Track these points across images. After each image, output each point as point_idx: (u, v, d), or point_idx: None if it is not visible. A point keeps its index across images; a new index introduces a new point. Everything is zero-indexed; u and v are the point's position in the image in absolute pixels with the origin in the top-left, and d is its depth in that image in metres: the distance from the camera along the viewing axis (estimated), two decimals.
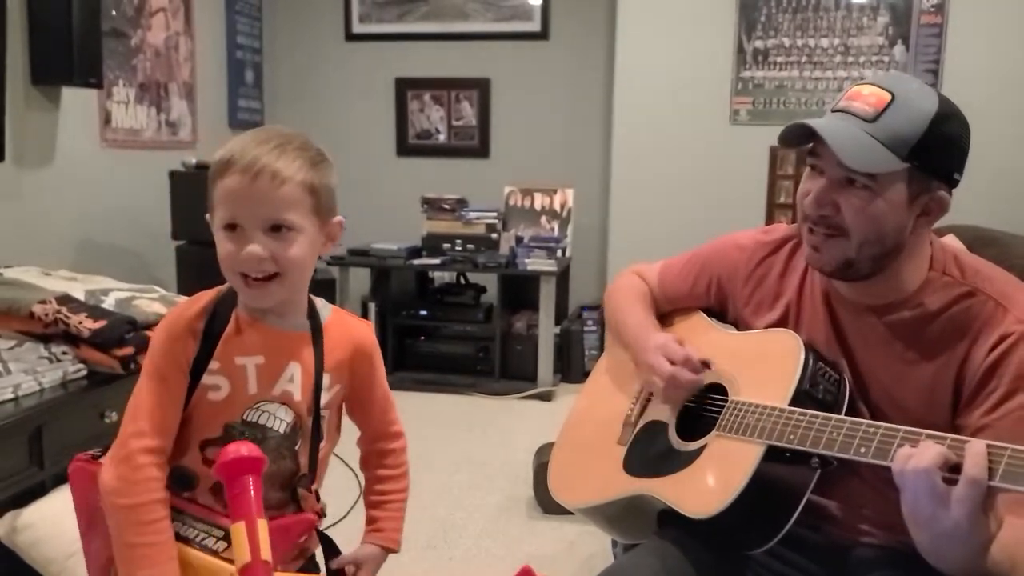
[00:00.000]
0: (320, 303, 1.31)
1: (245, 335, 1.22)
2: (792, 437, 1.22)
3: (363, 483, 1.41)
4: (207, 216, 1.21)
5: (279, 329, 1.24)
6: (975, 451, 1.02)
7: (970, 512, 1.01)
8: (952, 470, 1.03)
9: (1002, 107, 4.05)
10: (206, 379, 1.20)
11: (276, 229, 1.16)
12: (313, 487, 1.28)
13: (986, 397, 1.22)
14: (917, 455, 1.05)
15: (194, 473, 1.21)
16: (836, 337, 1.37)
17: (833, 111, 1.28)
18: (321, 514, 1.29)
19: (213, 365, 1.20)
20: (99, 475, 1.19)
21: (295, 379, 1.24)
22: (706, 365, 1.45)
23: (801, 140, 1.29)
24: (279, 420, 1.23)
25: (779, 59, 4.32)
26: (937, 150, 1.23)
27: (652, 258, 1.75)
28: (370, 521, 1.37)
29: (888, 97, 1.22)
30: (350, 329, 1.32)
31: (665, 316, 1.66)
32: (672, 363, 1.44)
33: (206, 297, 1.24)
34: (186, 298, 1.27)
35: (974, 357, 1.24)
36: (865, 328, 1.34)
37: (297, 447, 1.25)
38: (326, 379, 1.26)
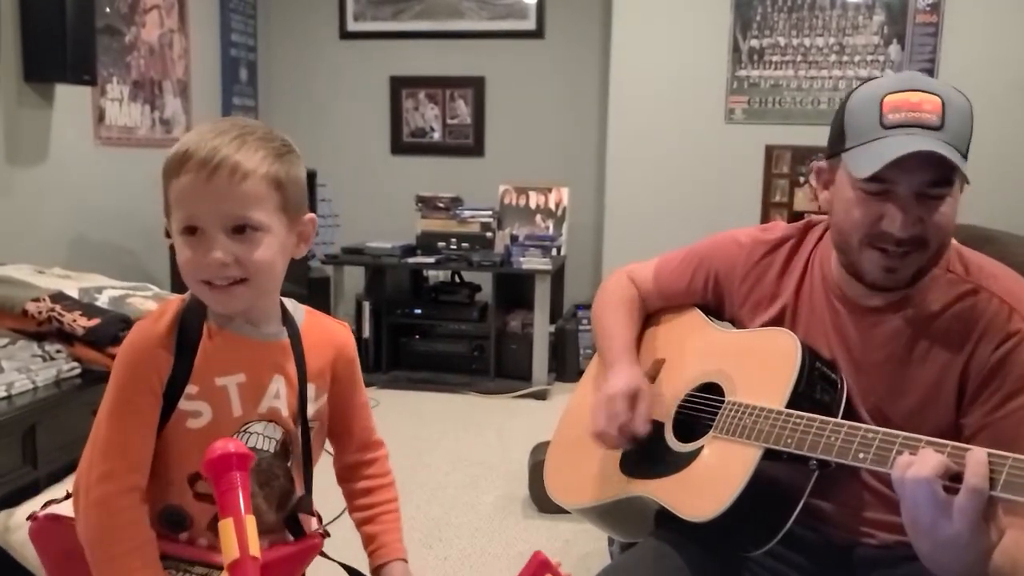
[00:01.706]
0: (291, 305, 1.22)
1: (222, 352, 1.12)
2: (790, 441, 1.21)
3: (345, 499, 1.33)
4: (165, 221, 1.10)
5: (256, 340, 1.15)
6: (976, 460, 1.01)
7: (972, 522, 1.00)
8: (953, 479, 1.02)
9: (997, 106, 4.05)
10: (184, 405, 1.09)
11: (240, 230, 1.06)
12: (315, 509, 1.22)
13: (990, 395, 1.22)
14: (917, 464, 1.04)
15: (186, 513, 1.11)
16: (838, 337, 1.37)
17: (890, 127, 1.21)
18: (325, 535, 1.23)
19: (191, 389, 1.09)
20: (75, 527, 1.08)
21: (280, 394, 1.15)
22: (643, 433, 1.42)
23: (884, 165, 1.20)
24: (268, 439, 1.14)
25: (774, 58, 4.32)
26: (971, 138, 1.23)
27: (647, 258, 1.74)
28: (369, 540, 1.27)
29: (939, 100, 1.20)
30: (330, 333, 1.24)
31: (661, 312, 1.64)
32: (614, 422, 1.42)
33: (170, 309, 1.13)
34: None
35: (979, 355, 1.24)
36: (867, 327, 1.34)
37: (290, 464, 1.17)
38: (311, 390, 1.18)
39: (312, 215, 1.17)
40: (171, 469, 1.11)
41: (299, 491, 1.20)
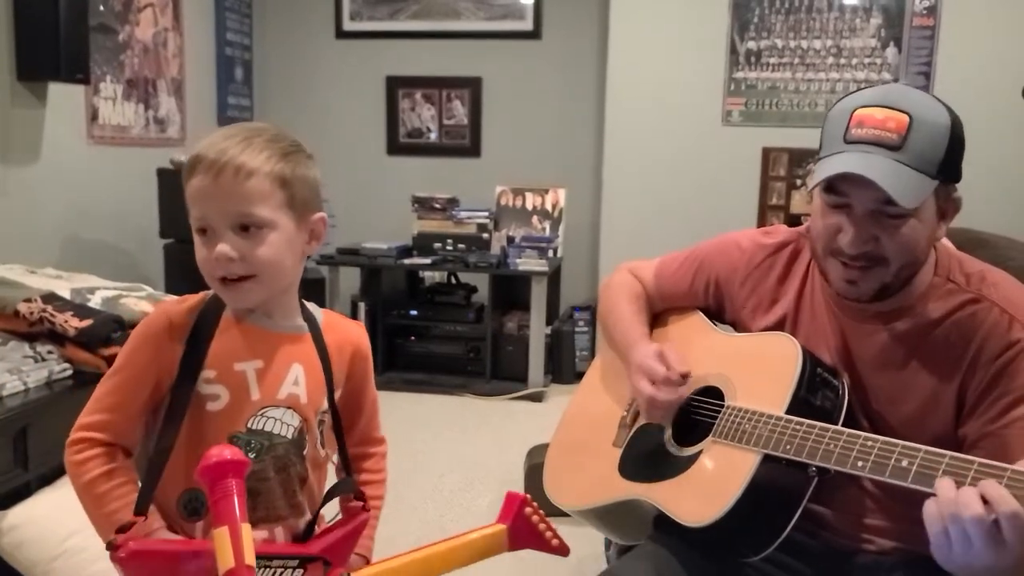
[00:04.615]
0: (312, 306, 1.27)
1: (239, 339, 1.16)
2: (789, 447, 1.20)
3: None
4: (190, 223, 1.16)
5: (273, 331, 1.19)
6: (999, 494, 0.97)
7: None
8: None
9: (993, 109, 4.05)
10: (204, 388, 1.13)
11: (245, 228, 1.10)
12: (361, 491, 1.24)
13: (991, 405, 1.21)
14: (962, 503, 0.98)
15: (202, 497, 1.13)
16: (838, 344, 1.36)
17: (850, 142, 1.22)
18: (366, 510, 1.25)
19: (209, 374, 1.13)
20: (161, 552, 1.08)
21: (300, 381, 1.19)
22: (685, 376, 1.40)
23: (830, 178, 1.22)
24: (286, 425, 1.17)
25: (772, 60, 4.31)
26: (955, 158, 1.22)
27: (644, 259, 1.73)
28: None
29: (906, 119, 1.19)
30: (347, 332, 1.28)
31: (662, 315, 1.64)
32: (653, 382, 1.40)
33: (195, 298, 1.18)
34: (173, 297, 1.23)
35: (979, 364, 1.23)
36: (868, 335, 1.33)
37: (305, 452, 1.20)
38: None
39: (322, 214, 1.22)
40: (192, 453, 1.14)
41: (311, 478, 1.22)
